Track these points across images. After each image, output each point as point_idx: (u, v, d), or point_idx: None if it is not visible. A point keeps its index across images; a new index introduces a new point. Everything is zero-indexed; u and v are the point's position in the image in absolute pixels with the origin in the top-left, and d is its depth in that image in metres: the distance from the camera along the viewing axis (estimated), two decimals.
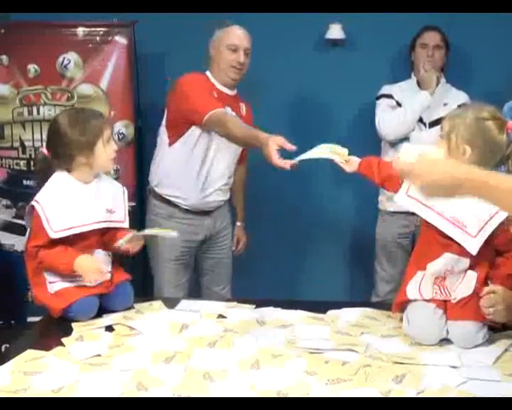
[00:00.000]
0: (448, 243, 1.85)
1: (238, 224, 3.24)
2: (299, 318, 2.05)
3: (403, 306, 1.95)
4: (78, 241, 2.10)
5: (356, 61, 3.48)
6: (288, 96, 3.58)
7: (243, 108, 2.97)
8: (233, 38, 2.82)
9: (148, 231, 2.32)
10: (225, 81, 2.86)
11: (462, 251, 1.84)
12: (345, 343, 1.85)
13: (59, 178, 2.12)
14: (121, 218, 2.21)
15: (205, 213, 2.92)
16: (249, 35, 2.86)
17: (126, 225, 2.21)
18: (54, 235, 2.04)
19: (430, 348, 1.83)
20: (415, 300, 1.91)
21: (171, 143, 2.85)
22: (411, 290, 1.92)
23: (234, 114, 2.81)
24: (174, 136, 2.83)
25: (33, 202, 2.07)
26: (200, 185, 2.84)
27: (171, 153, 2.86)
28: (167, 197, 2.89)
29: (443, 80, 3.18)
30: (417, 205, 1.88)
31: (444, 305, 1.88)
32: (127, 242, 2.12)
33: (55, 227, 2.04)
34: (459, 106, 2.71)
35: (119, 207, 2.21)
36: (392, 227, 3.17)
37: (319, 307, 2.12)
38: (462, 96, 3.15)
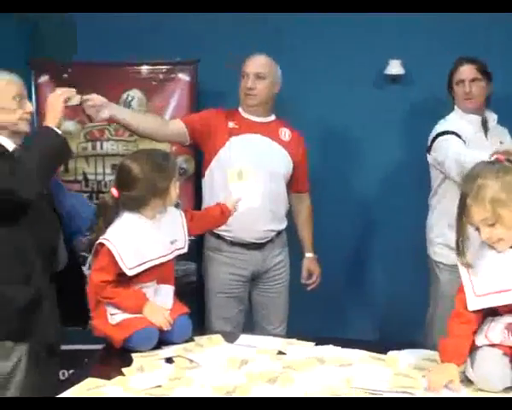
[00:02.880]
0: None
1: (309, 255, 3.12)
2: (358, 357, 2.02)
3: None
4: (143, 276, 2.16)
5: (415, 97, 3.48)
6: (345, 130, 3.58)
7: (286, 134, 2.97)
8: (244, 66, 2.91)
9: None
10: (247, 109, 2.93)
11: None
12: (404, 386, 1.81)
13: (128, 218, 2.18)
14: (182, 244, 2.28)
15: (253, 246, 2.90)
16: (265, 60, 2.91)
17: (186, 250, 2.29)
18: (130, 272, 2.11)
19: (493, 395, 1.77)
20: (480, 345, 1.86)
21: (203, 175, 2.95)
22: (479, 337, 1.86)
23: (263, 140, 2.89)
24: (205, 168, 2.95)
25: (103, 240, 2.13)
26: (239, 217, 2.74)
27: (205, 183, 2.95)
28: (215, 230, 2.90)
29: (493, 116, 3.03)
30: (494, 296, 1.83)
31: (510, 352, 1.83)
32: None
33: (129, 264, 2.11)
34: None
35: (180, 236, 2.27)
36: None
37: (379, 347, 2.08)
38: (506, 135, 3.04)
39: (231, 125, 2.89)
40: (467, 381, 1.84)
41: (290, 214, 3.10)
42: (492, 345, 1.82)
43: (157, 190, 2.16)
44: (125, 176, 2.19)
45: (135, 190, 2.15)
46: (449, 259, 2.94)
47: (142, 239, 2.15)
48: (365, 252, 3.69)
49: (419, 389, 1.79)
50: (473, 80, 2.96)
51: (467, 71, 2.97)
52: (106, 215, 2.19)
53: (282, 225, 3.00)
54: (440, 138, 2.93)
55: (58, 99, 2.32)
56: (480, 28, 3.34)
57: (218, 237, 2.91)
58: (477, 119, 2.98)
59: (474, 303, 1.85)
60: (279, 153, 2.93)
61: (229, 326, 2.87)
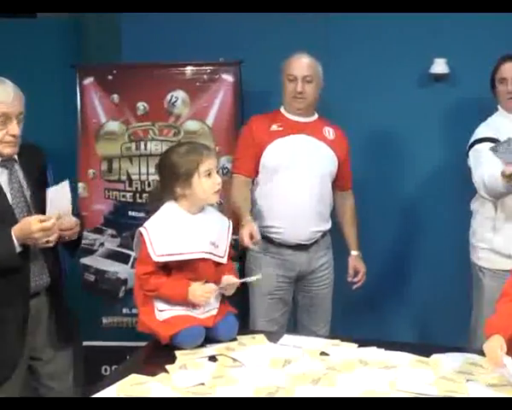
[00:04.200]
0: None
1: (354, 253, 3.08)
2: (402, 360, 2.00)
3: None
4: (187, 272, 2.17)
5: (460, 97, 3.44)
6: (386, 130, 3.56)
7: (330, 132, 2.97)
8: (290, 68, 2.88)
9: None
10: (293, 111, 2.91)
11: None
12: (449, 390, 1.79)
13: (168, 208, 2.20)
14: (222, 253, 2.24)
15: (299, 247, 2.90)
16: (312, 62, 2.89)
17: (224, 261, 2.25)
18: (156, 258, 2.12)
19: None
20: None
21: (253, 179, 2.96)
22: None
23: (309, 140, 2.89)
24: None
25: (141, 228, 2.16)
26: (286, 218, 2.83)
27: (256, 187, 2.95)
28: (261, 231, 2.91)
29: None
30: None
31: None
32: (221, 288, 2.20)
33: (158, 251, 2.12)
34: None
35: (222, 242, 2.25)
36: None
37: (423, 350, 2.06)
38: None
39: (275, 127, 2.90)
40: None
41: (333, 213, 3.08)
42: None
43: (176, 176, 2.15)
44: (160, 163, 2.26)
45: (163, 176, 2.21)
46: (493, 264, 2.90)
47: (178, 231, 2.16)
48: (408, 254, 3.65)
49: (464, 394, 1.76)
50: None
51: (509, 69, 2.90)
52: (152, 202, 2.26)
53: (328, 226, 3.00)
54: (476, 147, 2.88)
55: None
56: None
57: (264, 237, 2.90)
58: None
59: None
60: (325, 152, 2.93)
61: (275, 328, 2.87)
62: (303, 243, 2.90)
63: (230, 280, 2.21)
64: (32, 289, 2.20)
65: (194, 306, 2.16)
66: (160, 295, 2.15)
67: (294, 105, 2.91)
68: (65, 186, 2.17)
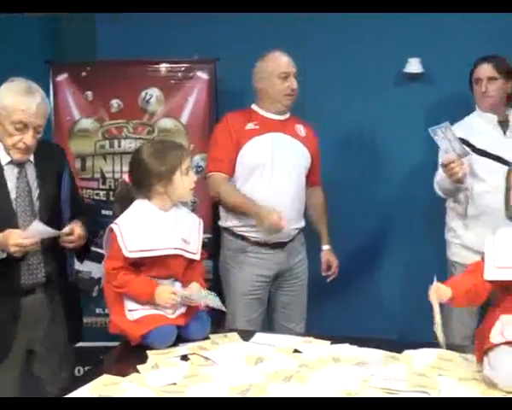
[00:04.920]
0: None
1: (326, 247, 3.12)
2: (374, 356, 2.01)
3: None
4: (158, 268, 2.15)
5: (433, 95, 3.46)
6: (363, 128, 3.58)
7: (301, 129, 2.98)
8: (283, 66, 2.88)
9: (192, 296, 2.18)
10: (278, 110, 2.91)
11: None
12: (420, 385, 1.80)
13: (139, 205, 2.19)
14: (194, 250, 2.24)
15: (277, 245, 2.90)
16: (290, 58, 2.91)
17: (197, 257, 2.25)
18: (128, 254, 2.10)
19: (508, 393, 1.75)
20: (498, 344, 1.84)
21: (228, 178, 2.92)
22: (494, 335, 1.85)
23: (285, 139, 2.88)
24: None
25: (112, 224, 2.15)
26: None
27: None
28: (237, 231, 2.91)
29: None
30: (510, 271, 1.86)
31: None
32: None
33: (130, 247, 2.11)
34: None
35: (193, 239, 2.25)
36: None
37: (395, 346, 2.07)
38: None
39: (251, 126, 2.89)
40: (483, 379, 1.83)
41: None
42: (509, 343, 1.80)
43: (157, 175, 2.14)
44: (133, 160, 2.23)
45: (139, 173, 2.18)
46: (464, 259, 2.95)
47: (150, 227, 2.15)
48: (383, 251, 3.68)
49: (435, 389, 1.77)
50: (489, 79, 2.95)
51: (483, 70, 2.96)
52: (119, 203, 2.23)
53: (303, 223, 3.02)
54: None
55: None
56: (500, 27, 3.31)
57: (243, 238, 2.91)
58: (495, 117, 2.96)
59: (491, 273, 1.88)
60: (300, 149, 2.95)
61: (253, 328, 2.84)
62: (281, 241, 2.90)
63: (195, 295, 2.18)
64: (26, 286, 2.26)
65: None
66: (127, 293, 2.13)
67: (285, 103, 2.91)
68: (37, 225, 2.18)
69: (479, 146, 2.91)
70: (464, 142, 2.88)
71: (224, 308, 2.25)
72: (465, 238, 2.96)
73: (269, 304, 3.04)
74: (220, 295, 2.97)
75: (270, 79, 2.89)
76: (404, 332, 3.29)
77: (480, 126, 2.95)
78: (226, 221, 2.95)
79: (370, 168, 3.62)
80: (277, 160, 2.85)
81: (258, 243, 2.89)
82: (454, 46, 3.34)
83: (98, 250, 3.43)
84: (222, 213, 2.98)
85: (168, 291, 2.11)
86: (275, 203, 2.81)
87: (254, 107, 2.97)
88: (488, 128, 2.95)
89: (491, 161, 2.81)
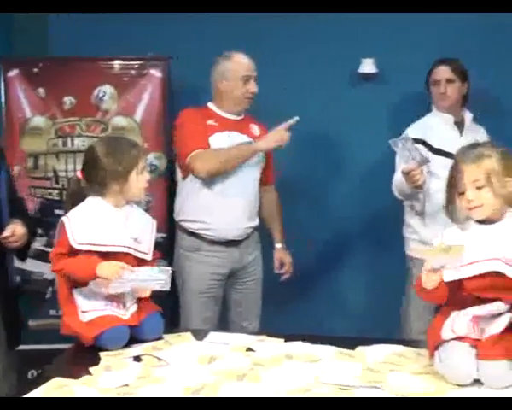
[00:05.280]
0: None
1: (279, 246, 3.14)
2: (327, 353, 2.02)
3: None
4: None
5: (388, 95, 3.50)
6: (318, 128, 3.59)
7: (256, 129, 3.00)
8: (245, 69, 2.89)
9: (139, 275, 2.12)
10: (236, 111, 2.92)
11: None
12: (373, 381, 1.82)
13: (92, 201, 2.17)
14: (146, 250, 2.22)
15: (231, 243, 2.91)
16: (251, 60, 2.92)
17: (149, 258, 2.23)
18: (76, 246, 2.08)
19: (459, 388, 1.79)
20: (448, 340, 1.87)
21: (184, 177, 2.91)
22: (445, 330, 1.88)
23: (242, 138, 2.89)
24: (185, 171, 2.90)
25: (63, 217, 2.13)
26: (221, 214, 2.84)
27: (186, 186, 2.91)
28: (191, 229, 2.90)
29: (469, 115, 3.13)
30: (466, 268, 1.87)
31: (476, 344, 1.84)
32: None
33: (79, 240, 2.09)
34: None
35: (145, 239, 2.23)
36: None
37: (348, 342, 2.09)
38: (483, 132, 3.10)
39: (211, 122, 2.88)
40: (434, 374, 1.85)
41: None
42: (459, 338, 1.84)
43: (113, 174, 2.13)
44: (88, 157, 2.20)
45: (94, 171, 2.15)
46: (422, 254, 3.00)
47: (100, 223, 2.13)
48: (341, 250, 3.70)
49: (387, 384, 1.79)
50: (447, 81, 3.05)
51: (441, 72, 3.06)
52: (71, 199, 2.20)
53: (257, 221, 3.02)
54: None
55: None
56: (452, 28, 3.37)
57: (197, 236, 2.90)
58: (451, 118, 3.05)
59: (449, 275, 1.88)
60: None
61: (209, 326, 2.85)
62: (235, 239, 2.91)
63: (142, 273, 2.13)
64: None
65: (113, 300, 2.12)
66: (68, 273, 2.10)
67: (244, 106, 2.93)
68: None
69: (435, 145, 3.00)
70: (421, 141, 2.97)
71: (168, 287, 2.15)
72: (423, 234, 3.03)
73: (223, 302, 3.04)
74: (175, 294, 2.98)
75: (232, 81, 2.88)
76: (363, 330, 3.32)
77: (437, 126, 3.05)
78: (182, 219, 2.95)
79: (326, 167, 3.64)
80: None
81: (212, 241, 2.89)
82: (408, 47, 3.38)
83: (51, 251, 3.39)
84: (178, 212, 2.97)
85: (113, 264, 2.07)
86: (227, 201, 2.83)
87: (211, 105, 2.96)
88: (445, 128, 3.05)
89: (447, 159, 2.88)
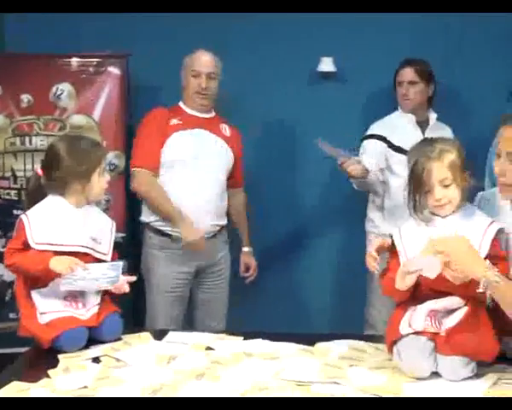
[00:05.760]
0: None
1: (245, 249, 3.17)
2: (287, 350, 2.04)
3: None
4: None
5: (347, 94, 3.52)
6: (275, 127, 3.60)
7: (226, 129, 3.01)
8: (195, 64, 2.90)
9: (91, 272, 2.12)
10: (195, 107, 2.92)
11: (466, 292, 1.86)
12: (332, 376, 1.84)
13: (52, 200, 2.15)
14: (105, 251, 2.22)
15: None
16: (215, 59, 2.93)
17: (108, 258, 2.22)
18: (35, 246, 2.06)
19: (418, 381, 1.82)
20: (406, 335, 1.90)
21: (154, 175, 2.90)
22: (403, 325, 1.91)
23: (210, 137, 2.90)
24: None
25: (22, 215, 2.11)
26: (187, 212, 2.83)
27: None
28: (158, 227, 2.89)
29: (433, 116, 3.19)
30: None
31: (434, 338, 1.87)
32: None
33: (37, 239, 2.07)
34: None
35: (105, 240, 2.22)
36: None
37: (308, 339, 2.11)
38: (449, 131, 3.16)
39: (174, 121, 2.89)
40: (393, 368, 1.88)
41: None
42: (417, 333, 1.87)
43: (76, 174, 2.12)
44: (49, 155, 2.18)
45: (56, 170, 2.13)
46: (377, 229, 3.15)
47: (59, 222, 2.12)
48: (306, 247, 3.70)
49: (346, 379, 1.82)
50: (410, 83, 3.12)
51: (405, 74, 3.14)
52: (31, 196, 2.17)
53: (225, 221, 3.03)
54: (363, 142, 3.14)
55: None
56: (411, 27, 3.41)
57: (163, 233, 2.89)
58: (414, 118, 3.13)
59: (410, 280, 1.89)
60: (223, 148, 2.97)
61: (173, 326, 2.85)
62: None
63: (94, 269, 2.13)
64: None
65: (72, 300, 2.11)
66: (21, 268, 2.08)
67: (197, 101, 2.91)
68: None
69: (396, 143, 3.07)
70: (382, 138, 3.06)
71: (118, 282, 2.13)
72: (382, 228, 3.10)
73: (190, 302, 3.04)
74: (136, 293, 2.96)
75: (186, 76, 2.92)
76: (326, 326, 3.36)
77: (399, 125, 3.13)
78: (148, 217, 2.94)
79: (287, 166, 3.64)
80: (198, 156, 2.86)
81: (177, 239, 2.88)
82: (366, 46, 3.41)
83: None
84: (145, 210, 2.96)
85: (66, 258, 2.06)
86: (193, 199, 2.82)
87: (180, 103, 2.98)
88: (408, 127, 3.13)
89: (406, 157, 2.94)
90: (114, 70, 3.32)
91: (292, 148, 3.58)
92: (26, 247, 2.08)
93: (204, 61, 2.90)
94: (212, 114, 3.00)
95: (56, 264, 2.03)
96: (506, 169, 1.85)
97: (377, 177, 3.08)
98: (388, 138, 3.09)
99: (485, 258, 1.83)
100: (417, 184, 1.95)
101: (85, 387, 1.78)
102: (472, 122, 3.38)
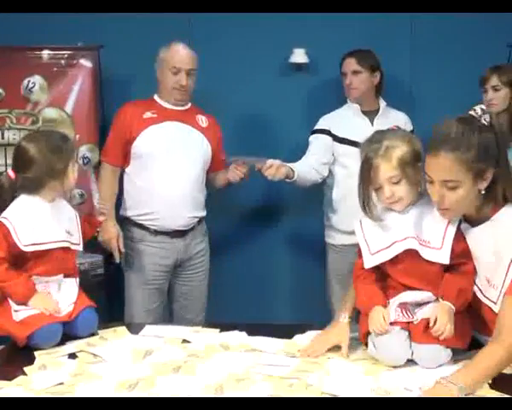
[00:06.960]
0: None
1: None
2: (263, 342, 2.05)
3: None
4: (40, 264, 2.11)
5: (319, 85, 3.53)
6: (248, 117, 3.60)
7: (202, 120, 2.99)
8: (175, 61, 2.86)
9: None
10: (172, 101, 2.91)
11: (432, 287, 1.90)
12: (310, 367, 1.86)
13: (24, 199, 2.13)
14: (77, 241, 2.24)
15: (176, 234, 2.90)
16: (193, 55, 2.90)
17: (80, 248, 2.25)
18: (25, 249, 2.06)
19: (395, 369, 1.85)
20: None
21: (120, 169, 2.93)
22: None
23: (184, 128, 2.90)
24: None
25: (1, 219, 2.08)
26: (164, 204, 2.84)
27: (128, 175, 2.92)
28: (136, 220, 2.89)
29: (383, 104, 3.19)
30: (384, 252, 1.93)
31: (408, 327, 1.90)
32: None
33: (24, 241, 2.06)
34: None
35: (75, 231, 2.24)
36: (348, 258, 2.86)
37: (285, 330, 2.12)
38: (402, 117, 3.18)
39: (148, 114, 2.87)
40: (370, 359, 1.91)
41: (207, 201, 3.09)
42: (390, 324, 1.88)
43: (54, 172, 2.12)
44: (21, 157, 2.14)
45: (31, 171, 2.11)
46: (333, 239, 3.19)
47: (39, 220, 2.11)
48: (272, 238, 3.72)
49: (325, 370, 1.84)
50: (354, 72, 3.12)
51: (348, 64, 3.15)
52: (2, 198, 2.14)
53: (203, 213, 3.02)
54: (310, 137, 3.17)
55: None
56: (383, 19, 3.41)
57: (141, 226, 2.89)
58: (359, 107, 3.14)
59: (370, 261, 1.95)
60: (199, 139, 2.95)
61: (152, 318, 2.86)
62: (180, 229, 2.90)
63: None
64: None
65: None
66: (5, 289, 2.07)
67: (175, 97, 2.90)
68: None
69: (340, 135, 3.09)
70: (326, 131, 3.11)
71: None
72: (333, 220, 3.16)
73: (169, 294, 3.04)
74: (111, 287, 2.96)
75: (164, 71, 2.88)
76: (299, 318, 3.38)
77: (345, 116, 3.15)
78: (127, 211, 2.94)
79: (257, 153, 3.63)
80: (173, 148, 2.85)
81: (156, 232, 2.88)
82: (338, 37, 3.39)
83: None
84: (125, 202, 2.96)
85: (49, 301, 2.09)
86: (169, 191, 2.82)
87: (155, 96, 2.95)
88: (354, 118, 3.14)
89: (352, 147, 2.97)
90: (86, 62, 3.29)
91: (264, 138, 3.57)
92: (9, 255, 2.06)
93: (184, 57, 2.86)
94: (188, 106, 2.98)
95: (38, 304, 2.06)
96: (445, 195, 1.83)
97: (319, 172, 3.08)
98: (333, 131, 3.10)
99: (451, 256, 1.86)
100: (367, 181, 1.95)
101: (62, 383, 1.78)
102: (422, 111, 3.37)
